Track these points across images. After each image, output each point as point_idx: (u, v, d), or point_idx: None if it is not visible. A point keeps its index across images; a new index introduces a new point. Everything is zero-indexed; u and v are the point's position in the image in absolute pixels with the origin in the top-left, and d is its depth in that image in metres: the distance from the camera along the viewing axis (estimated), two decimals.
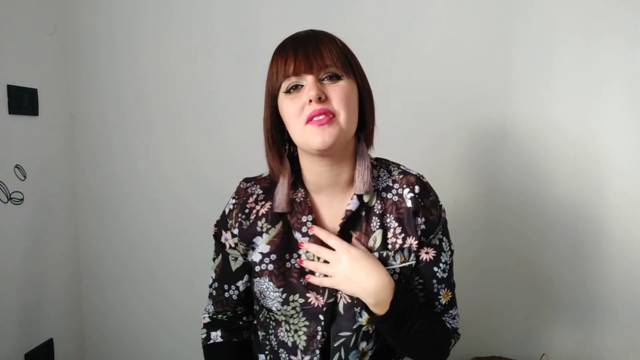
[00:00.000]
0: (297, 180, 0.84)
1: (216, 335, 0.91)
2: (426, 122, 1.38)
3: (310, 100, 0.72)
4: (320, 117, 0.72)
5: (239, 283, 0.89)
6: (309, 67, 0.72)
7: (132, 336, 1.50)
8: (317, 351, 0.81)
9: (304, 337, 0.81)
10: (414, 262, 0.82)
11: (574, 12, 1.30)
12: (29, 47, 1.27)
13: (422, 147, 1.38)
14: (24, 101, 1.23)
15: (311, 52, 0.73)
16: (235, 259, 0.88)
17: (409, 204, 0.81)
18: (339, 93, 0.73)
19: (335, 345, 0.80)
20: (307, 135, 0.73)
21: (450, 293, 0.87)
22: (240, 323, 0.93)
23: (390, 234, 0.81)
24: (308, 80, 0.73)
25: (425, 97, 1.37)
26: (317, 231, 0.80)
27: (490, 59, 1.35)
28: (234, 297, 0.90)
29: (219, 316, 0.91)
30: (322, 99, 0.72)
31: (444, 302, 0.86)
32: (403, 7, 1.35)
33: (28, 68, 1.26)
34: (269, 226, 0.82)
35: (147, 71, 1.42)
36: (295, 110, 0.74)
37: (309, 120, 0.72)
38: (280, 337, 0.84)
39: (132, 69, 1.42)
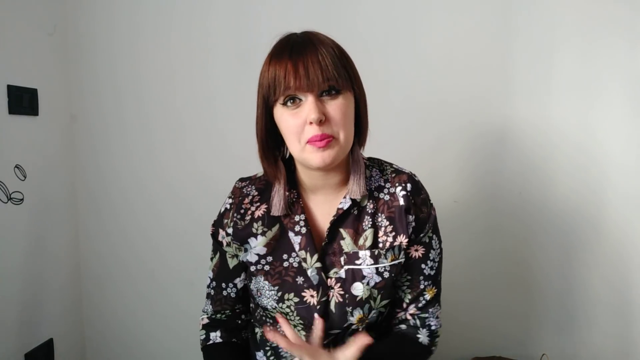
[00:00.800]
0: (290, 181, 0.85)
1: (215, 336, 0.91)
2: (426, 122, 1.38)
3: (311, 122, 0.72)
4: (320, 140, 0.73)
5: (237, 280, 0.90)
6: (310, 85, 0.72)
7: (132, 336, 1.50)
8: None
9: (303, 332, 0.82)
10: (403, 260, 0.83)
11: (574, 13, 1.30)
12: (29, 47, 1.27)
13: (422, 148, 1.38)
14: (24, 101, 1.23)
15: (311, 68, 0.72)
16: (232, 256, 0.89)
17: (401, 201, 0.82)
18: (339, 112, 0.74)
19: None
20: (307, 154, 0.75)
21: (435, 290, 0.87)
22: (239, 322, 0.93)
23: (381, 233, 0.82)
24: (309, 99, 0.73)
25: (425, 97, 1.37)
26: (277, 339, 0.74)
27: (490, 59, 1.35)
28: (232, 294, 0.91)
29: (218, 315, 0.92)
30: (323, 120, 0.73)
31: (428, 298, 0.87)
32: (403, 8, 1.35)
33: (28, 68, 1.26)
34: (265, 229, 0.84)
35: (147, 71, 1.42)
36: (294, 127, 0.74)
37: (309, 141, 0.73)
38: (281, 333, 0.85)
39: (132, 68, 1.42)
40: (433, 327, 0.88)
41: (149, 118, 1.43)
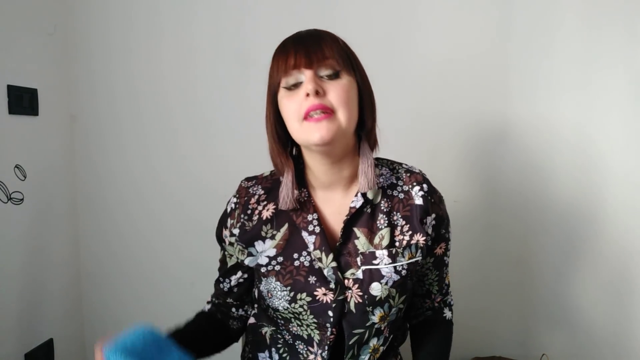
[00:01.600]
0: (300, 179, 0.84)
1: (206, 307, 0.96)
2: (426, 123, 1.38)
3: (308, 95, 0.72)
4: (318, 113, 0.72)
5: (232, 278, 0.92)
6: (309, 61, 0.73)
7: None
8: (326, 347, 0.81)
9: (316, 332, 0.82)
10: (420, 258, 0.83)
11: (573, 13, 1.30)
12: (29, 47, 1.27)
13: (423, 149, 1.38)
14: (24, 101, 1.23)
15: (311, 48, 0.73)
16: (230, 256, 0.89)
17: (419, 201, 0.83)
18: (338, 89, 0.73)
19: (350, 343, 0.81)
20: (305, 132, 0.73)
21: (448, 272, 0.95)
22: (230, 312, 0.96)
23: (397, 232, 0.82)
24: (307, 75, 0.73)
25: (425, 98, 1.37)
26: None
27: (489, 60, 1.35)
28: (225, 289, 0.93)
29: (214, 299, 0.96)
30: (320, 93, 0.72)
31: (447, 283, 0.95)
32: (402, 9, 1.35)
33: (28, 68, 1.26)
34: (274, 232, 0.83)
35: (147, 71, 1.42)
36: (293, 107, 0.74)
37: (307, 115, 0.72)
38: (294, 332, 0.85)
39: (133, 68, 1.42)
40: (452, 303, 0.98)
41: (148, 118, 1.43)
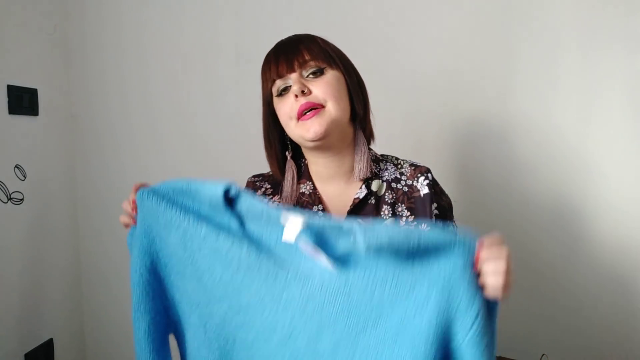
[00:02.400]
0: (304, 174, 0.87)
1: None
2: (425, 122, 1.38)
3: (296, 96, 0.77)
4: (309, 112, 0.76)
5: None
6: (291, 66, 0.78)
7: (132, 336, 1.50)
8: None
9: None
10: None
11: (575, 15, 1.30)
12: (29, 47, 1.27)
13: (422, 148, 1.38)
14: (24, 101, 1.23)
15: (291, 53, 0.79)
16: None
17: (425, 190, 0.84)
18: (322, 85, 0.78)
19: None
20: (300, 130, 0.78)
21: None
22: None
23: (402, 223, 0.83)
24: (292, 78, 0.78)
25: (425, 97, 1.37)
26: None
27: (491, 61, 1.35)
28: None
29: None
30: (306, 92, 0.77)
31: None
32: (404, 6, 1.35)
33: (28, 68, 1.26)
34: None
35: (147, 71, 1.42)
36: (285, 109, 0.79)
37: (300, 116, 0.77)
38: None
39: (132, 68, 1.42)
40: None
41: (149, 118, 1.43)
